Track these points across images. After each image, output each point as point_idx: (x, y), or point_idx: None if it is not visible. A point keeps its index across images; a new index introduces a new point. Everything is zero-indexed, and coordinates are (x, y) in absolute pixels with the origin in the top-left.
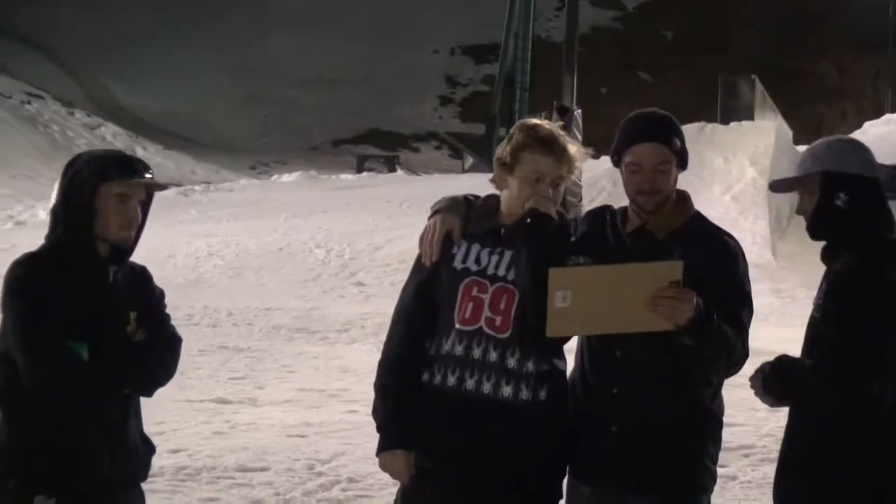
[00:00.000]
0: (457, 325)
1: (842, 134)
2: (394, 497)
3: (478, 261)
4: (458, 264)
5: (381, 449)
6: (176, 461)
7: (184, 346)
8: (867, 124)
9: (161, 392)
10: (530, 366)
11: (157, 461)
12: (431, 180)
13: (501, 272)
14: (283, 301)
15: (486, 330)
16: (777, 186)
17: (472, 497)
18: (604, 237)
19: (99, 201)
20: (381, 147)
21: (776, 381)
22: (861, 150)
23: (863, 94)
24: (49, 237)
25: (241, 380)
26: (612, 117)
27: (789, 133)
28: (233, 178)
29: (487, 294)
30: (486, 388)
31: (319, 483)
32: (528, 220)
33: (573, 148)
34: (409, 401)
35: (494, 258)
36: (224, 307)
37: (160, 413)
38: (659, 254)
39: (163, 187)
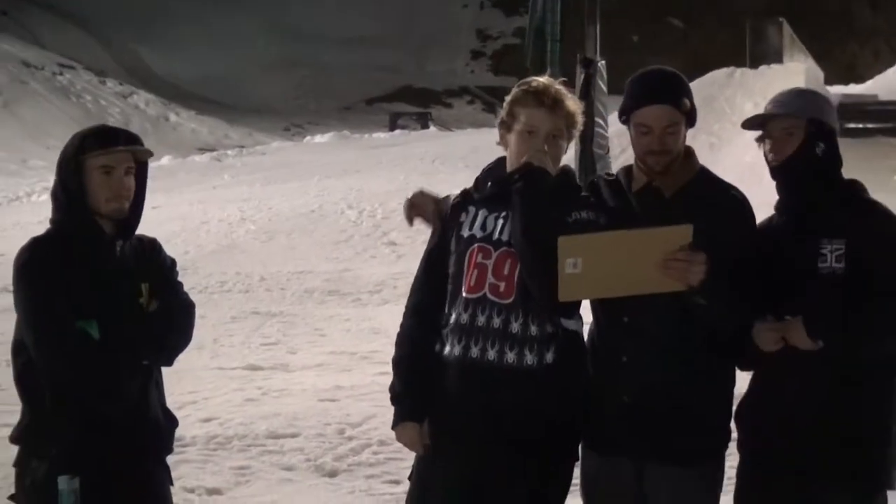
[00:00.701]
0: (463, 294)
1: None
2: None
3: (483, 226)
4: (465, 231)
5: (395, 422)
6: (207, 430)
7: (217, 313)
8: None
9: (193, 361)
10: (534, 329)
11: (188, 431)
12: (465, 135)
13: (506, 236)
14: (314, 264)
15: (490, 296)
16: (752, 123)
17: (483, 465)
18: (609, 198)
19: (86, 177)
20: (413, 104)
21: (827, 324)
22: (833, 106)
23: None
24: (52, 220)
25: (273, 345)
26: (643, 65)
27: (820, 74)
28: (266, 140)
29: (491, 260)
30: (491, 354)
31: (350, 447)
32: (517, 177)
33: (570, 101)
34: (419, 373)
35: (500, 222)
36: (257, 272)
37: (192, 382)
38: (666, 211)
39: (148, 154)
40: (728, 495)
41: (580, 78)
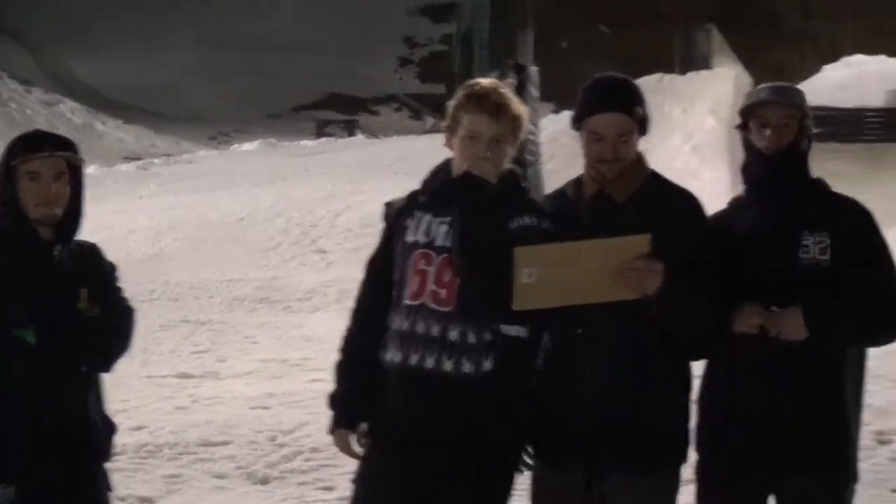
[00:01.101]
0: (405, 301)
1: (804, 77)
2: None
3: (427, 232)
4: (409, 237)
5: (331, 428)
6: (138, 439)
7: (145, 322)
8: (826, 67)
9: (123, 369)
10: (472, 338)
11: (118, 439)
12: (392, 142)
13: (448, 242)
14: (244, 272)
15: (430, 304)
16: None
17: (423, 471)
18: (561, 208)
19: (18, 183)
20: (341, 111)
21: (822, 320)
22: None
23: (824, 36)
24: None
25: (203, 353)
26: (572, 72)
27: (748, 80)
28: (193, 149)
29: (433, 266)
30: (429, 363)
31: (282, 454)
32: (456, 184)
33: (515, 104)
34: (359, 379)
35: (443, 228)
36: (185, 280)
37: (122, 391)
38: (619, 218)
39: (79, 161)
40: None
41: (512, 84)
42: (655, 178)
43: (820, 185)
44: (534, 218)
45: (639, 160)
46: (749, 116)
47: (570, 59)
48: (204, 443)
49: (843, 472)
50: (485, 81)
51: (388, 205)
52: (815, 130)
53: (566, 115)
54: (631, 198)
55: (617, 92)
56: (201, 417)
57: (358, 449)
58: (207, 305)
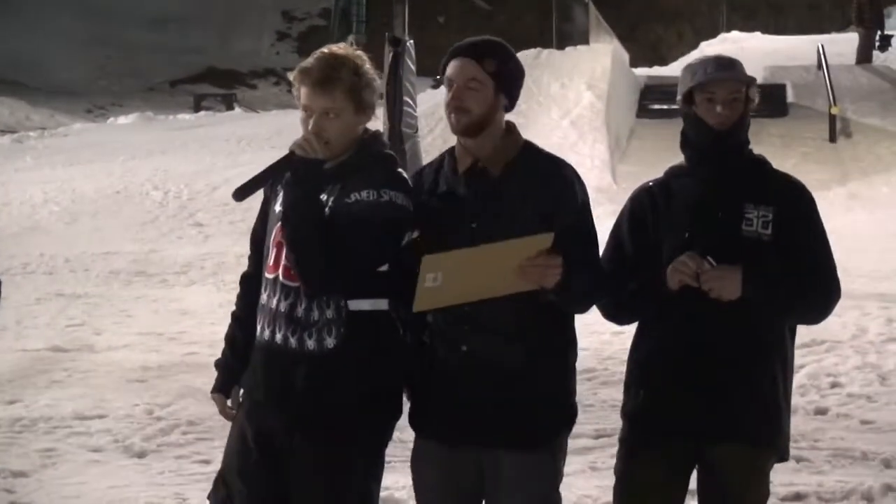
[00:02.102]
0: (265, 274)
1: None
2: None
3: (284, 202)
4: (277, 206)
5: (212, 389)
6: (11, 413)
7: (20, 295)
8: (703, 44)
9: None
10: (316, 314)
11: None
12: (270, 116)
13: None
14: (120, 245)
15: (282, 279)
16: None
17: (270, 444)
18: (435, 184)
19: None
20: (218, 85)
21: (759, 283)
22: None
23: (699, 14)
24: None
25: (78, 327)
26: (449, 46)
27: (625, 56)
28: (68, 122)
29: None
30: (278, 338)
31: (159, 428)
32: (281, 165)
33: (346, 75)
34: (230, 346)
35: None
36: (61, 254)
37: None
38: (496, 189)
39: None
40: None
41: (388, 57)
42: (528, 148)
43: (761, 161)
44: (372, 192)
45: (509, 130)
46: (695, 92)
47: (449, 34)
48: (79, 416)
49: (773, 447)
50: (320, 52)
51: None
52: (676, 107)
53: (444, 90)
54: (505, 169)
55: (472, 44)
56: (76, 391)
57: (231, 412)
58: (83, 279)
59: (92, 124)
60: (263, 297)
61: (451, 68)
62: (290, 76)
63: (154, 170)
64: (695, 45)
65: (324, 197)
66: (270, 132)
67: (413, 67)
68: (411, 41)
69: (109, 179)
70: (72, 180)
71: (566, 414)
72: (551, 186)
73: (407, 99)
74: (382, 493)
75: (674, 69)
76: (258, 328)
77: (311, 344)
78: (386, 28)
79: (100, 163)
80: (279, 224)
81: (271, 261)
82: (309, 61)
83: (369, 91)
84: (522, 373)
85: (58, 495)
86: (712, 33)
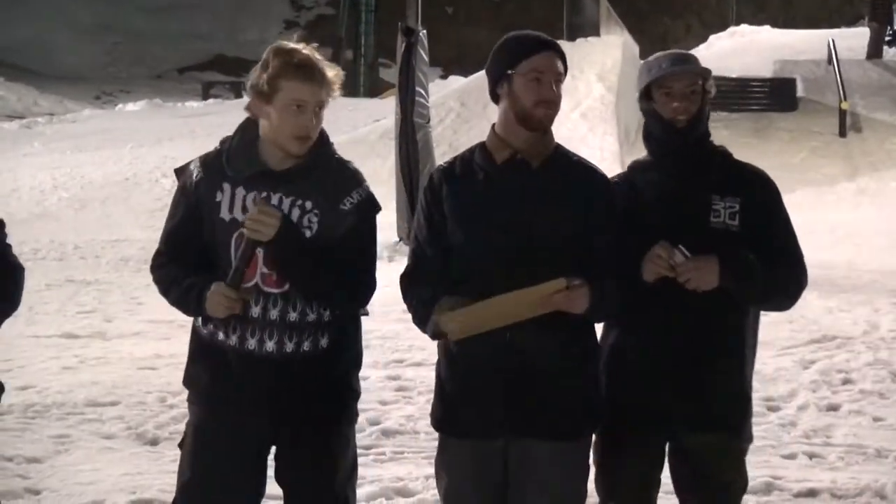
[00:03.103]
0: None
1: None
2: None
3: (245, 209)
4: (225, 214)
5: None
6: (25, 398)
7: (31, 281)
8: (713, 37)
9: (8, 328)
10: (312, 317)
11: (5, 399)
12: None
13: None
14: (129, 232)
15: (263, 286)
16: (648, 81)
17: (255, 448)
18: (471, 174)
19: None
20: (226, 73)
21: (736, 272)
22: None
23: (708, 7)
24: None
25: (89, 313)
26: (458, 37)
27: (636, 48)
28: (77, 108)
29: (260, 248)
30: (269, 346)
31: (171, 416)
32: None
33: (332, 71)
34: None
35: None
36: (70, 240)
37: (7, 350)
38: (534, 181)
39: None
40: None
41: (401, 47)
42: (560, 148)
43: (724, 153)
44: (353, 195)
45: (547, 130)
46: (652, 87)
47: (458, 25)
48: (92, 403)
49: (739, 430)
50: (301, 48)
51: (180, 172)
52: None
53: (453, 80)
54: (544, 162)
55: (547, 39)
56: (88, 378)
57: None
58: (93, 265)
59: (100, 111)
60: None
61: (540, 62)
62: (271, 66)
63: (163, 157)
64: (703, 38)
65: (286, 205)
66: None
67: (426, 58)
68: (424, 31)
69: (118, 166)
70: (80, 167)
71: (597, 409)
72: (586, 188)
73: (419, 89)
74: (397, 484)
75: None
76: (233, 338)
77: (307, 346)
78: (396, 18)
79: (108, 149)
80: (240, 230)
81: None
82: (303, 57)
83: (336, 88)
84: (558, 364)
85: (71, 481)
86: (721, 26)
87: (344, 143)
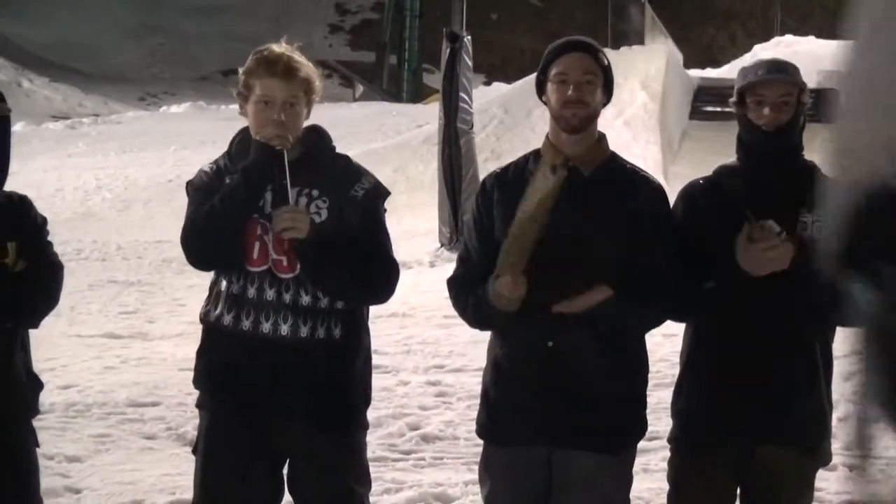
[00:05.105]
0: (245, 266)
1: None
2: None
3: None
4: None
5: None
6: (66, 397)
7: (73, 281)
8: (757, 47)
9: (51, 327)
10: (324, 303)
11: (47, 397)
12: (321, 109)
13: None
14: (172, 234)
15: (276, 271)
16: (743, 87)
17: (268, 437)
18: (523, 181)
19: None
20: None
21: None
22: None
23: (753, 16)
24: None
25: (131, 314)
26: (502, 43)
27: (680, 57)
28: (121, 109)
29: (270, 234)
30: (284, 329)
31: None
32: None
33: (306, 67)
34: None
35: (268, 195)
36: (113, 241)
37: (50, 349)
38: (586, 189)
39: (6, 110)
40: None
41: (446, 52)
42: (616, 157)
43: (815, 168)
44: (357, 186)
45: (601, 139)
46: (745, 93)
47: (501, 31)
48: (133, 403)
49: (819, 448)
50: (275, 46)
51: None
52: (730, 109)
53: (497, 87)
54: (595, 171)
55: (582, 40)
56: (130, 378)
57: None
58: (136, 266)
59: (144, 112)
60: (249, 290)
61: (565, 63)
62: (245, 67)
63: (206, 159)
64: (748, 48)
65: (293, 196)
66: (324, 124)
67: (470, 63)
68: (468, 37)
69: (161, 168)
70: (124, 168)
71: (641, 423)
72: (638, 198)
73: (463, 95)
74: (435, 490)
75: (727, 71)
76: (246, 321)
77: (321, 332)
78: (440, 23)
79: (152, 151)
80: (252, 218)
81: (255, 254)
82: (270, 54)
83: (317, 87)
84: (603, 374)
85: (111, 481)
86: (765, 36)
87: (387, 148)
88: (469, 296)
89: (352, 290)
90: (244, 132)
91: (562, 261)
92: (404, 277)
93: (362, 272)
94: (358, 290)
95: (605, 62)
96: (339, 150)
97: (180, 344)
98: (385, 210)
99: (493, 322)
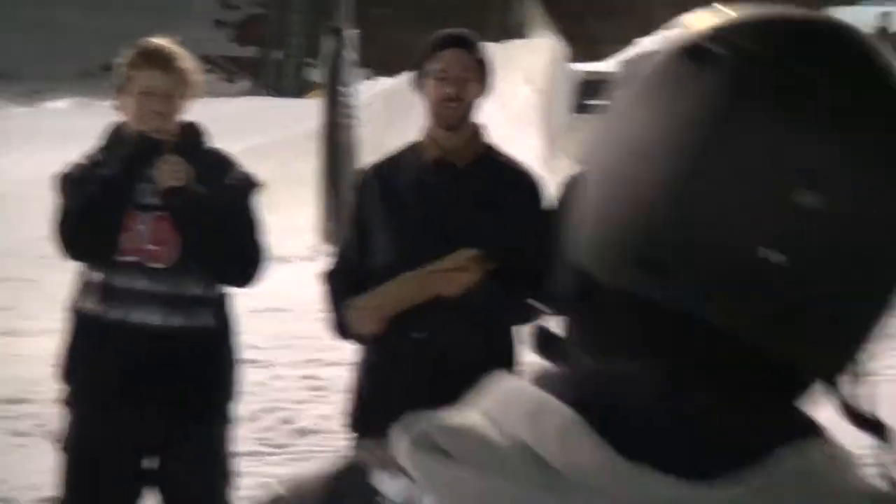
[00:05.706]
0: (118, 257)
1: (617, 51)
2: None
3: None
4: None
5: None
6: None
7: None
8: (640, 40)
9: None
10: (197, 290)
11: None
12: (204, 104)
13: (154, 200)
14: (49, 230)
15: (148, 261)
16: None
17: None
18: (399, 174)
19: None
20: None
21: None
22: None
23: (636, 11)
24: None
25: (6, 311)
26: (389, 39)
27: (565, 50)
28: (2, 105)
29: (146, 225)
30: (156, 318)
31: None
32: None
33: (184, 60)
34: None
35: (142, 185)
36: None
37: None
38: (461, 182)
39: None
40: None
41: (328, 48)
42: (493, 150)
43: None
44: (233, 174)
45: (477, 130)
46: None
47: (388, 27)
48: (4, 400)
49: None
50: (155, 40)
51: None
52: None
53: (381, 82)
54: (472, 163)
55: (459, 34)
56: (2, 375)
57: None
58: (12, 263)
59: (25, 108)
60: (120, 280)
61: (445, 60)
62: (125, 60)
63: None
64: (632, 41)
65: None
66: (206, 119)
67: (355, 58)
68: (354, 32)
69: (42, 165)
70: (3, 164)
71: None
72: (512, 190)
73: (346, 90)
74: None
75: (611, 65)
76: (116, 312)
77: (191, 322)
78: (326, 18)
79: (32, 147)
80: (131, 209)
81: (127, 244)
82: (150, 46)
83: (198, 80)
84: (483, 359)
85: None
86: (648, 30)
87: (270, 143)
88: (335, 300)
89: (224, 261)
90: (118, 124)
91: (434, 253)
92: (283, 273)
93: (234, 244)
94: (229, 262)
95: (483, 56)
96: (221, 146)
97: (54, 340)
98: (257, 200)
99: (348, 337)
